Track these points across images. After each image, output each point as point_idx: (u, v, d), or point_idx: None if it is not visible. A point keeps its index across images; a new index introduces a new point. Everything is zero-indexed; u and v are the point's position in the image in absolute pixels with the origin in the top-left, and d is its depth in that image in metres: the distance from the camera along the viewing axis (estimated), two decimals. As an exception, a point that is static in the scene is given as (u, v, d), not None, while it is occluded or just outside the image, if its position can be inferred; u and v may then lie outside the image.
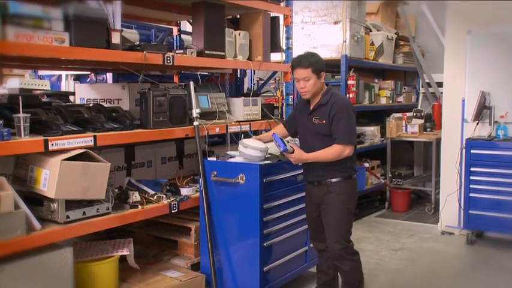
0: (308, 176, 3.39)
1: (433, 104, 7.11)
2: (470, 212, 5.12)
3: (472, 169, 5.16)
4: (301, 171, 3.67)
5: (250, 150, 3.34)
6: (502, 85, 5.27)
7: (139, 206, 3.26)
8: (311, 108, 3.30)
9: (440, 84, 6.42)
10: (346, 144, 3.16)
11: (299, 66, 3.20)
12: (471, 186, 5.15)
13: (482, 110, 5.30)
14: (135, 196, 3.28)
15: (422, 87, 7.51)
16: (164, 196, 3.43)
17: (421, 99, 7.58)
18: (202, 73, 5.16)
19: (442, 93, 6.16)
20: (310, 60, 3.22)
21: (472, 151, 5.16)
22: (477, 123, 5.35)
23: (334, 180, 3.23)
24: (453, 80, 5.59)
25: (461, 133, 5.46)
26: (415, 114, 6.90)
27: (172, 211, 3.43)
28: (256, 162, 3.34)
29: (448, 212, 5.54)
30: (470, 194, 5.12)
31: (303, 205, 3.72)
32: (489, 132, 5.30)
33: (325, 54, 5.73)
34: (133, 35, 4.63)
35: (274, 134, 3.19)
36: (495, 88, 5.29)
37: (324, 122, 3.22)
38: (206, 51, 3.77)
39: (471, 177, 5.15)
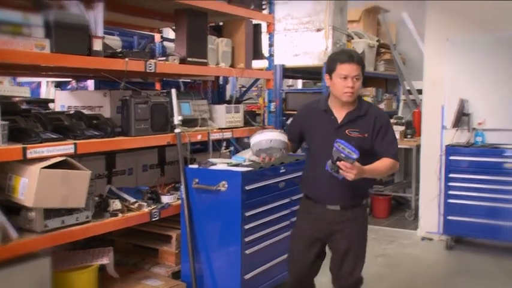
0: (328, 198, 2.84)
1: (413, 111, 7.20)
2: (449, 217, 5.19)
3: (450, 175, 5.23)
4: (283, 178, 3.69)
5: (269, 134, 2.78)
6: (480, 92, 5.37)
7: (120, 214, 3.23)
8: (341, 118, 2.80)
9: (420, 92, 6.50)
10: (397, 160, 2.80)
11: (353, 61, 2.70)
12: (450, 192, 5.22)
13: (461, 117, 5.39)
14: (116, 204, 3.25)
15: (403, 94, 7.60)
16: (145, 204, 3.41)
17: (402, 106, 7.67)
18: (184, 80, 5.15)
19: (422, 100, 6.25)
20: (360, 57, 2.79)
21: (451, 157, 5.24)
22: (456, 130, 5.44)
23: (357, 203, 2.86)
24: (432, 87, 5.68)
25: (441, 140, 5.54)
26: (395, 121, 6.98)
27: (153, 219, 3.41)
28: (278, 147, 2.76)
29: (427, 218, 5.60)
30: (449, 200, 5.19)
31: (285, 212, 3.74)
32: (468, 139, 5.39)
33: (308, 61, 5.78)
34: (115, 41, 4.60)
35: (338, 139, 2.54)
36: (473, 95, 5.39)
37: (366, 135, 2.77)
38: (188, 59, 3.76)
39: (450, 184, 5.23)
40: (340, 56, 2.77)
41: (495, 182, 4.99)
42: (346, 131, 2.77)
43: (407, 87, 7.39)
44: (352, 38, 6.61)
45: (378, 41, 7.14)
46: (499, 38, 5.26)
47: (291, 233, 3.16)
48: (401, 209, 6.91)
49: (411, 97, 7.38)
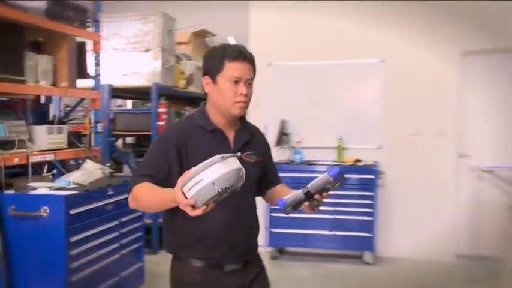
0: (229, 256, 2.02)
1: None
2: (272, 230, 5.58)
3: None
4: (111, 200, 3.61)
5: (233, 160, 1.68)
6: (297, 113, 5.93)
7: None
8: (232, 139, 2.05)
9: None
10: None
11: (245, 59, 1.97)
12: (273, 206, 5.60)
13: (282, 136, 5.88)
14: None
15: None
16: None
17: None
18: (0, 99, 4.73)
19: (247, 120, 6.66)
20: (252, 55, 2.03)
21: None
22: (279, 148, 5.90)
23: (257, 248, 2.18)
24: (257, 108, 6.07)
25: (265, 157, 5.95)
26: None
27: (-40, 253, 3.07)
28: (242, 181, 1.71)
29: (255, 231, 5.94)
30: (271, 214, 5.57)
31: (114, 234, 3.67)
32: (288, 156, 5.89)
33: (137, 81, 5.75)
34: None
35: (334, 167, 1.88)
36: (292, 116, 5.92)
37: (261, 159, 2.13)
38: (1, 75, 3.49)
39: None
40: (229, 51, 1.96)
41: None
42: (244, 155, 2.01)
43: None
44: (181, 60, 6.76)
45: (206, 63, 7.40)
46: (314, 65, 5.89)
47: None
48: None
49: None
